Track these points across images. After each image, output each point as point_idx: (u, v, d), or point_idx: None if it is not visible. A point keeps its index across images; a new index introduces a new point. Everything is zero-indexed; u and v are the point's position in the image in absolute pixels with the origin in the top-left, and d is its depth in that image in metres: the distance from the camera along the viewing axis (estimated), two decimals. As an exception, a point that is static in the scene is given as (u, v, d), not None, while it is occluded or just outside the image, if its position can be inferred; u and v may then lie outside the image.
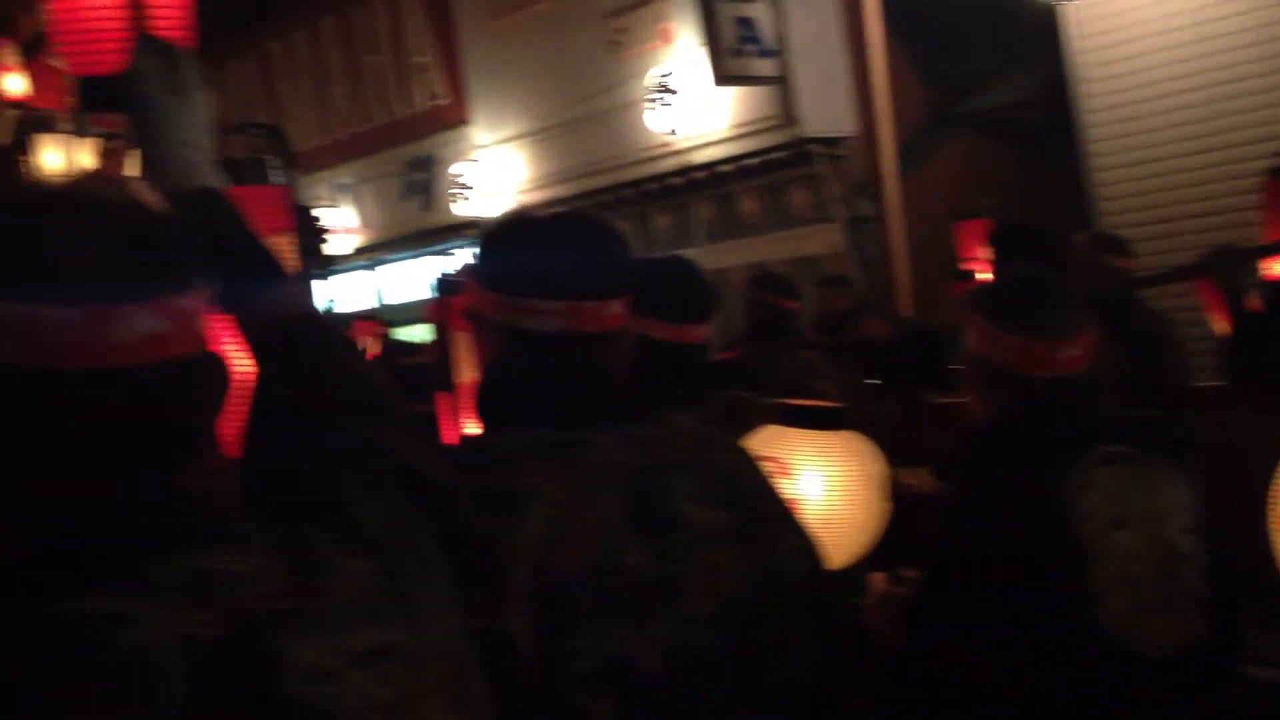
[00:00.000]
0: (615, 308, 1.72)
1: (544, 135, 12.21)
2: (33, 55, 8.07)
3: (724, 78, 9.71)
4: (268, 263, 1.41)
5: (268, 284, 1.39)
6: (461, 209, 12.56)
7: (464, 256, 12.83)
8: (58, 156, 8.16)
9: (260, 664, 0.99)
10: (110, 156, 7.99)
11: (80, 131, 8.72)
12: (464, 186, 12.48)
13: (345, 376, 1.35)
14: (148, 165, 1.42)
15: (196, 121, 1.44)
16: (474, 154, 12.68)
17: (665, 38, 10.85)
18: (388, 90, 13.61)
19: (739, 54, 9.60)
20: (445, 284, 2.86)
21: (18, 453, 1.01)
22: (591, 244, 1.75)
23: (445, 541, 1.21)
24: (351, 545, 1.11)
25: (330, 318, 1.84)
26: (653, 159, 11.18)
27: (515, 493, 1.53)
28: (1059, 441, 2.12)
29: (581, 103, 11.70)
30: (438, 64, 13.05)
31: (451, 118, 13.04)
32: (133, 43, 1.46)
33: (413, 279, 13.46)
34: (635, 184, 11.38)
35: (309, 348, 1.36)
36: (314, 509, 1.12)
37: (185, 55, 1.48)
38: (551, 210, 1.88)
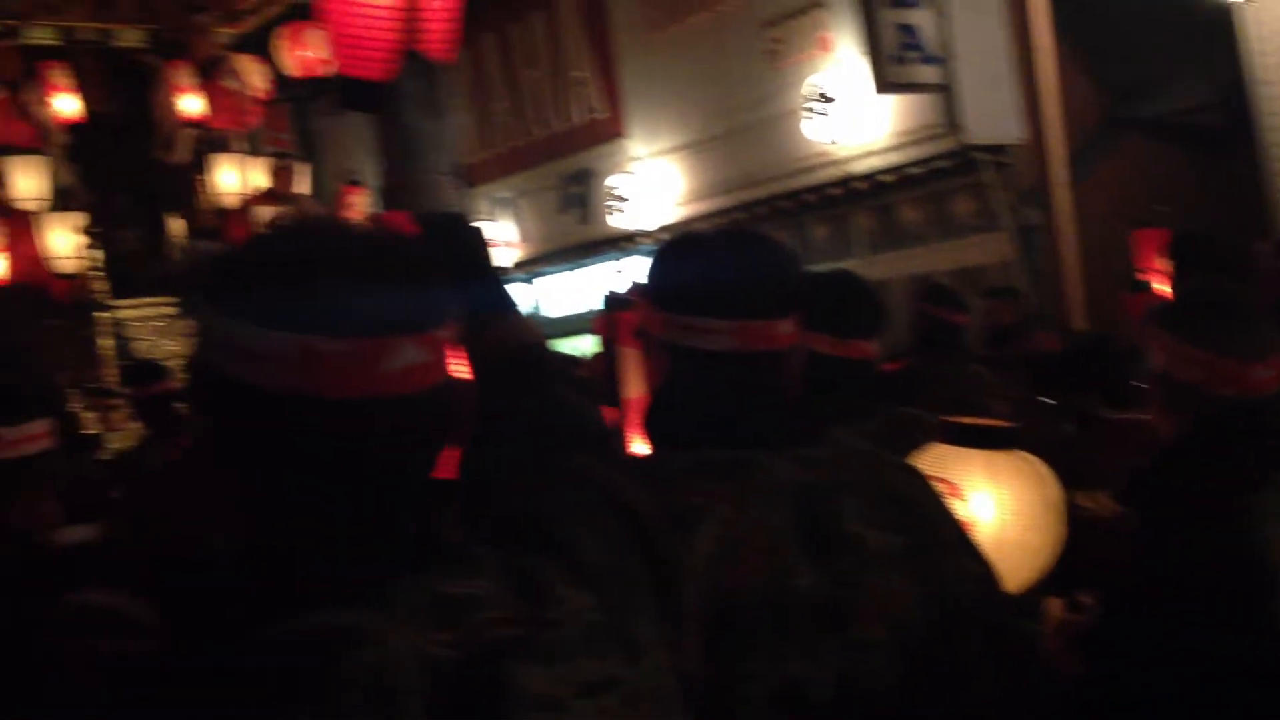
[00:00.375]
0: (785, 327, 1.70)
1: (700, 147, 12.23)
2: (208, 77, 8.43)
3: (885, 85, 9.58)
4: (501, 292, 1.44)
5: (499, 313, 1.41)
6: (619, 221, 12.67)
7: (623, 269, 12.95)
8: (233, 175, 8.52)
9: (493, 689, 1.01)
10: (281, 175, 8.30)
11: (254, 151, 9.08)
12: (621, 199, 12.59)
13: (564, 409, 1.37)
14: (401, 192, 1.45)
15: (449, 146, 1.48)
16: (630, 166, 12.77)
17: (824, 46, 10.77)
18: (546, 104, 13.81)
19: (901, 61, 9.47)
20: (612, 300, 2.86)
21: (281, 473, 1.06)
22: (761, 262, 1.72)
23: (655, 578, 1.22)
24: (576, 578, 1.13)
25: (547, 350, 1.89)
26: (811, 169, 11.10)
27: (684, 512, 1.50)
28: (1246, 465, 2.03)
29: (738, 113, 11.68)
30: (595, 78, 13.19)
31: (608, 131, 13.16)
32: (399, 55, 1.50)
33: (570, 292, 13.61)
34: (793, 195, 11.31)
35: (531, 379, 1.39)
36: (540, 540, 1.15)
37: (444, 76, 1.52)
38: (722, 228, 1.87)
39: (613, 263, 12.65)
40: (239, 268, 1.09)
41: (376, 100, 1.53)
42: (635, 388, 2.74)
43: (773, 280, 1.72)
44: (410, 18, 1.55)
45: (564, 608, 1.10)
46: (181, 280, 8.27)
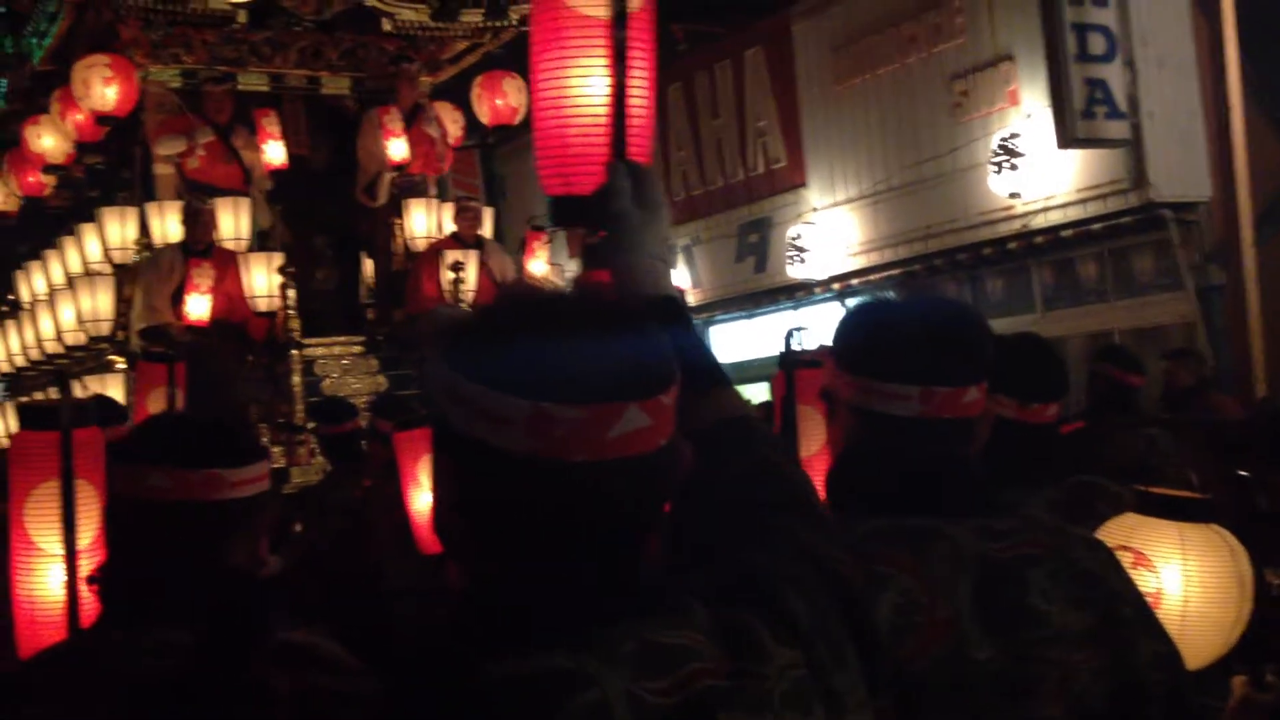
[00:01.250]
0: (972, 394, 1.70)
1: (879, 198, 12.16)
2: (408, 124, 8.76)
3: (1072, 140, 9.41)
4: (714, 367, 1.49)
5: (712, 386, 1.46)
6: (797, 271, 12.66)
7: (801, 326, 12.91)
8: (424, 219, 8.81)
9: None
10: (467, 219, 8.55)
11: (444, 195, 9.38)
12: (799, 249, 12.58)
13: (772, 473, 1.41)
14: (619, 275, 1.51)
15: (661, 234, 1.54)
16: (810, 216, 12.77)
17: (1011, 99, 10.61)
18: (727, 153, 13.92)
19: (1089, 116, 9.28)
20: (790, 356, 2.87)
21: (512, 525, 1.12)
22: (951, 328, 1.72)
23: (858, 640, 1.25)
24: (784, 634, 1.17)
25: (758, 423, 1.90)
26: (991, 222, 10.92)
27: (866, 580, 1.53)
28: None
29: (920, 165, 11.59)
30: (777, 128, 13.25)
31: (788, 180, 13.19)
32: (605, 163, 1.56)
33: (745, 340, 13.64)
34: (972, 248, 11.14)
35: (741, 446, 1.42)
36: (751, 598, 1.19)
37: (651, 173, 1.58)
38: (912, 292, 1.88)
39: (789, 312, 12.65)
40: (478, 333, 1.16)
41: (589, 213, 1.57)
42: (813, 446, 2.75)
43: (962, 347, 1.72)
44: (618, 127, 1.60)
45: (772, 663, 1.15)
46: (393, 327, 8.56)
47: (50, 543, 2.28)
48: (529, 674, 1.04)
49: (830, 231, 12.55)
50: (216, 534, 1.79)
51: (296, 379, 7.57)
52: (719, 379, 1.49)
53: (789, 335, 2.95)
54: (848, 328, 1.78)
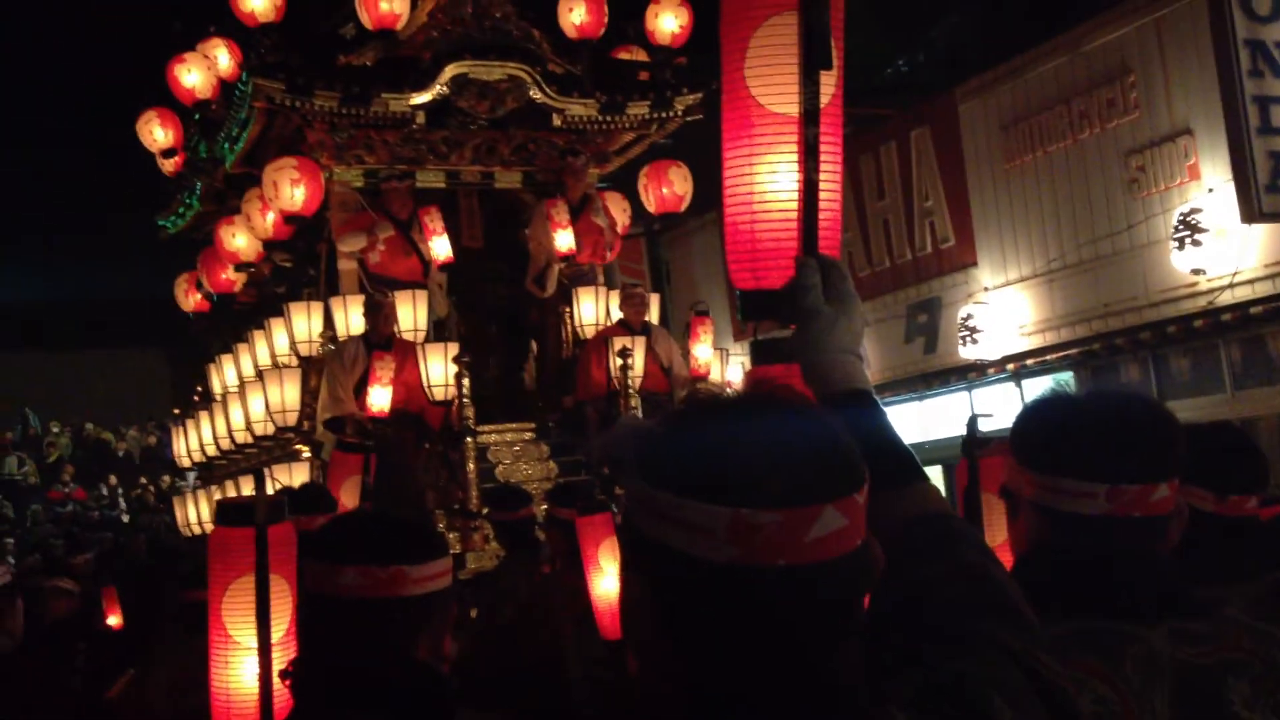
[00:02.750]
0: (1162, 490, 1.62)
1: (1054, 276, 11.88)
2: (576, 215, 8.97)
3: (1256, 215, 9.06)
4: (909, 462, 1.47)
5: (907, 481, 1.44)
6: (969, 352, 12.42)
7: (973, 400, 12.64)
8: (592, 307, 8.96)
9: None
10: (634, 306, 8.65)
11: (610, 283, 9.54)
12: (971, 329, 12.36)
13: (975, 574, 1.37)
14: (811, 370, 1.51)
15: (853, 328, 1.53)
16: (981, 296, 12.55)
17: (1191, 174, 10.30)
18: (893, 234, 13.82)
19: (1273, 190, 8.94)
20: (972, 444, 2.79)
21: (712, 628, 1.11)
22: (1138, 423, 1.65)
23: None
24: None
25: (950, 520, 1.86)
26: (1174, 300, 10.56)
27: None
28: None
29: (1095, 243, 11.30)
30: (945, 207, 13.12)
31: (958, 260, 13.01)
32: (795, 258, 1.58)
33: (915, 422, 13.40)
34: (1154, 326, 10.77)
35: (941, 545, 1.40)
36: (956, 703, 1.17)
37: (841, 268, 1.58)
38: (1097, 386, 1.81)
39: (961, 393, 12.40)
40: (668, 443, 1.16)
41: (779, 308, 1.58)
42: (999, 536, 2.67)
43: (1150, 442, 1.65)
44: (808, 222, 1.60)
45: None
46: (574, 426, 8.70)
47: (245, 635, 2.36)
48: None
49: (1003, 311, 12.30)
50: (403, 628, 1.83)
51: (471, 466, 7.71)
52: (915, 474, 1.46)
53: (972, 421, 2.87)
54: (1028, 422, 1.73)
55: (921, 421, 13.23)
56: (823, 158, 1.59)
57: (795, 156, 1.61)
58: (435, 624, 1.89)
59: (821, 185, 1.59)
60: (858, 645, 1.15)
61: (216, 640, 2.42)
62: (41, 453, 24.17)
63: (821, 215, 1.59)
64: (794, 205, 1.61)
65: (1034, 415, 1.75)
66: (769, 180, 1.63)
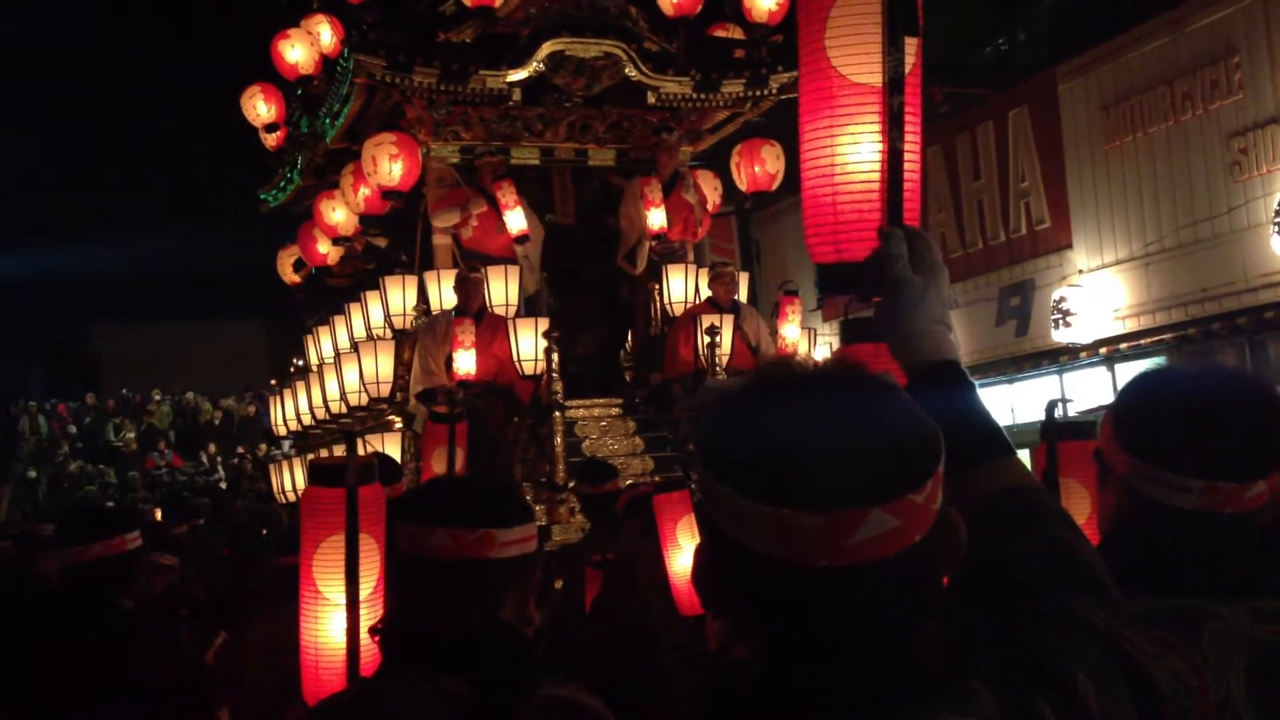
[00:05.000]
0: (1259, 488, 1.59)
1: (1151, 260, 11.64)
2: (668, 193, 8.97)
3: (1367, 197, 8.77)
4: (996, 435, 1.46)
5: (994, 454, 1.43)
6: (1062, 335, 12.22)
7: (1065, 384, 12.43)
8: (681, 284, 8.97)
9: None
10: (723, 284, 8.65)
11: (700, 261, 9.54)
12: (1065, 312, 12.15)
13: (1062, 552, 1.37)
14: (899, 341, 1.49)
15: (941, 298, 1.52)
16: (1076, 279, 12.33)
17: (1296, 156, 10.01)
18: (987, 215, 13.63)
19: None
20: (1053, 427, 2.75)
21: (776, 613, 1.12)
22: (1243, 418, 1.60)
23: None
24: (1072, 716, 1.15)
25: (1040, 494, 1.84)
26: (1273, 285, 10.30)
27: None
28: None
29: (1195, 226, 11.05)
30: (1042, 188, 12.89)
31: (1053, 242, 12.80)
32: (878, 230, 1.56)
33: (1005, 405, 13.22)
34: (1252, 311, 10.51)
35: (1026, 519, 1.39)
36: (1040, 680, 1.17)
37: (928, 238, 1.57)
38: (1208, 372, 1.75)
39: (1052, 377, 12.21)
40: (723, 429, 1.14)
41: (862, 281, 1.56)
42: (1078, 519, 2.65)
43: (1253, 439, 1.60)
44: (892, 193, 1.58)
45: None
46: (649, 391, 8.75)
47: (335, 592, 2.42)
48: None
49: (1097, 294, 12.07)
50: (489, 590, 1.87)
51: (558, 439, 7.79)
52: (1002, 448, 1.44)
53: (1050, 406, 2.84)
54: (1130, 401, 1.69)
55: (1010, 405, 13.05)
56: (905, 127, 1.59)
57: (877, 127, 1.60)
58: (520, 587, 1.92)
59: (905, 155, 1.59)
60: (934, 623, 1.14)
61: (307, 596, 2.48)
62: (141, 421, 24.85)
63: (905, 185, 1.59)
64: (876, 176, 1.60)
65: (1137, 396, 1.70)
66: (850, 151, 1.62)
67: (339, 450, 9.35)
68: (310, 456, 10.39)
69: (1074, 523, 1.47)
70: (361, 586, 2.31)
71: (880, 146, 1.59)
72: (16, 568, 5.21)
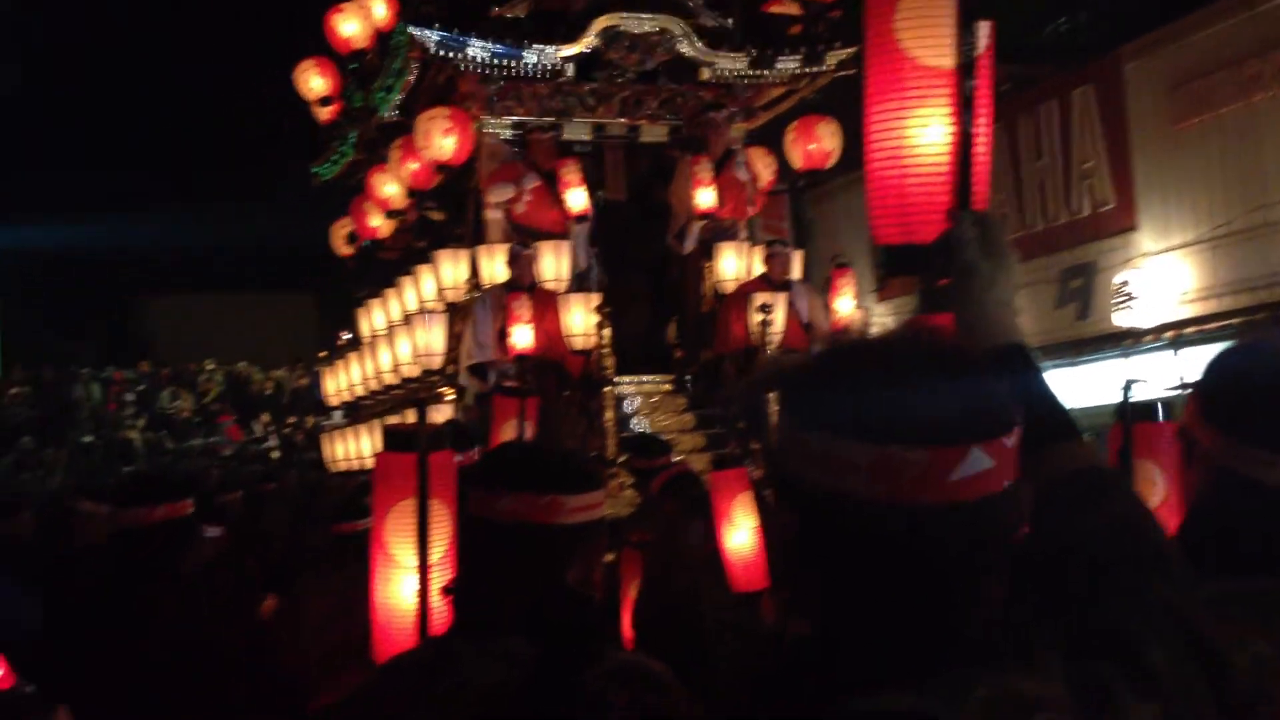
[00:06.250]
0: None
1: (1219, 243, 11.47)
2: (720, 170, 8.92)
3: None
4: (1064, 417, 1.46)
5: (1062, 436, 1.43)
6: (1124, 318, 12.08)
7: (1128, 369, 12.28)
8: (733, 262, 8.94)
9: None
10: (776, 261, 8.60)
11: (753, 238, 9.49)
12: (1128, 295, 12.00)
13: (1131, 530, 1.37)
14: (967, 324, 1.50)
15: (1009, 281, 1.53)
16: (1140, 261, 12.17)
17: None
18: (1049, 195, 13.47)
19: None
20: (1129, 409, 2.72)
21: (858, 567, 1.13)
22: None
23: (1218, 698, 1.22)
24: (1144, 689, 1.15)
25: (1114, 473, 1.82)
26: (1345, 269, 10.11)
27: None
28: None
29: (1264, 209, 10.86)
30: (1106, 169, 12.73)
31: (1116, 224, 12.64)
32: (947, 212, 1.56)
33: (1066, 389, 13.05)
34: (1323, 297, 10.34)
35: (1095, 498, 1.39)
36: (1109, 651, 1.17)
37: (997, 222, 1.57)
38: None
39: (1115, 361, 12.07)
40: (817, 380, 1.17)
41: (929, 262, 1.56)
42: (1153, 502, 2.60)
43: None
44: (962, 176, 1.56)
45: (1129, 717, 1.13)
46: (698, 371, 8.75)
47: (406, 555, 2.46)
48: (880, 713, 1.05)
49: (1162, 277, 11.92)
50: (556, 555, 1.89)
51: (609, 415, 7.79)
52: (1068, 429, 1.45)
53: (1127, 387, 2.81)
54: (1217, 374, 1.67)
55: (1072, 389, 12.92)
56: (977, 109, 1.58)
57: (947, 109, 1.60)
58: (587, 553, 1.94)
59: (976, 138, 1.58)
60: (1000, 585, 1.15)
61: (379, 559, 2.53)
62: (196, 389, 25.18)
63: (975, 168, 1.57)
64: (945, 159, 1.59)
65: (1224, 372, 1.68)
66: (919, 134, 1.62)
67: (391, 421, 9.41)
68: (362, 428, 10.48)
69: (1144, 503, 1.46)
70: (432, 551, 2.33)
71: (950, 130, 1.59)
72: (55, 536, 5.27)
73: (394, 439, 2.56)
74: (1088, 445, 1.46)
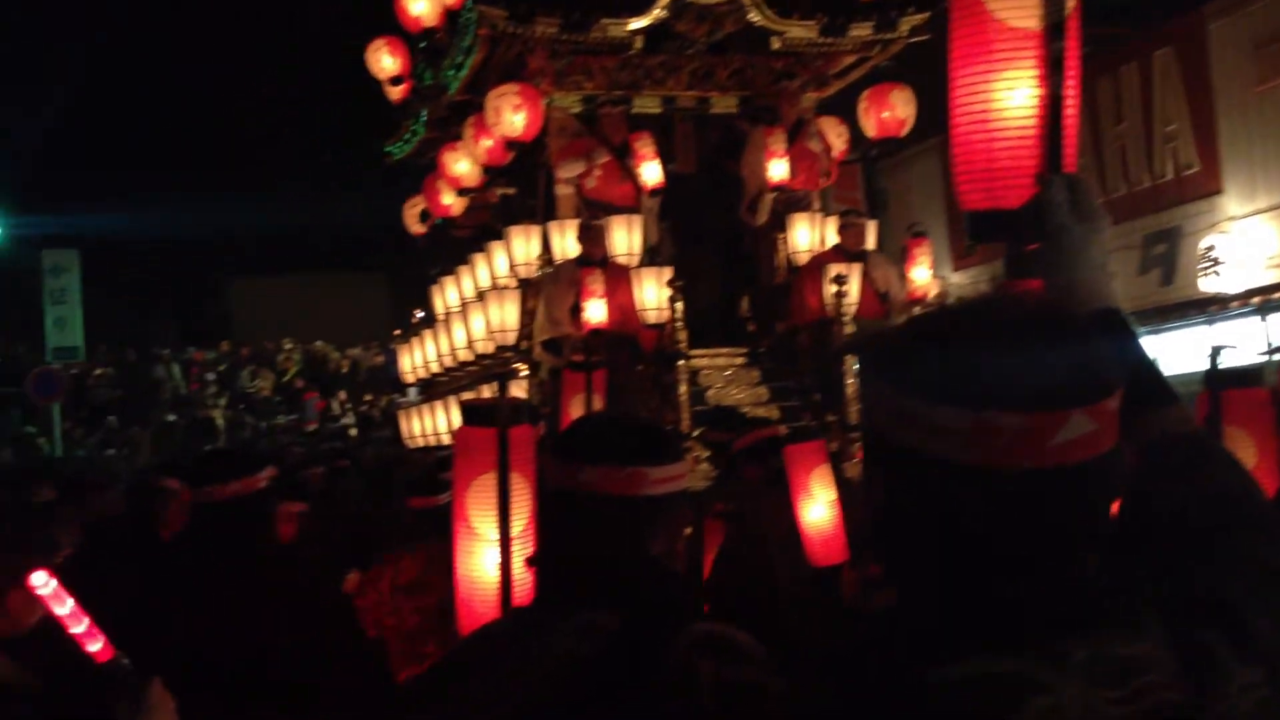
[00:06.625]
0: None
1: (1306, 206, 11.17)
2: (792, 140, 8.84)
3: None
4: (1162, 381, 1.44)
5: (1159, 401, 1.41)
6: (1210, 284, 11.82)
7: (1214, 335, 12.01)
8: (806, 233, 8.86)
9: None
10: (850, 232, 8.51)
11: (826, 209, 9.41)
12: (1214, 260, 11.74)
13: (1232, 494, 1.34)
14: (1060, 288, 1.48)
15: (1101, 245, 1.51)
16: (1226, 226, 11.89)
17: None
18: (1131, 160, 13.19)
19: None
20: (1218, 375, 2.66)
21: (954, 531, 1.12)
22: None
23: None
24: (1246, 654, 1.13)
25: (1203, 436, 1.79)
26: None
27: None
28: None
29: (1354, 170, 10.56)
30: (1189, 132, 12.43)
31: (1201, 188, 12.35)
32: (1036, 177, 1.54)
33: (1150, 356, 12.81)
34: None
35: (1193, 463, 1.37)
36: (1211, 615, 1.15)
37: (1087, 185, 1.55)
38: None
39: (1201, 328, 11.81)
40: (912, 344, 1.16)
41: (1017, 228, 1.55)
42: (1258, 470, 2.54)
43: None
44: (1052, 139, 1.54)
45: (1234, 681, 1.10)
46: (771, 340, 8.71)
47: (487, 528, 2.47)
48: (982, 677, 1.04)
49: (1249, 241, 11.63)
50: (638, 527, 1.88)
51: (683, 388, 7.78)
52: (1166, 395, 1.43)
53: (1214, 353, 2.76)
54: None
55: (1156, 356, 12.67)
56: (1066, 72, 1.56)
57: (1034, 72, 1.58)
58: (669, 525, 1.94)
59: (1064, 100, 1.57)
60: (1100, 549, 1.13)
61: (461, 533, 2.55)
62: (276, 368, 25.60)
63: (1064, 131, 1.55)
64: (1033, 122, 1.57)
65: None
66: (1006, 97, 1.60)
67: (467, 397, 9.48)
68: (438, 404, 10.58)
69: (1244, 469, 1.43)
70: (513, 524, 2.34)
71: (1038, 92, 1.57)
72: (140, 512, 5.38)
73: (473, 414, 2.58)
74: (1186, 410, 1.44)
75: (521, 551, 2.29)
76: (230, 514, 3.42)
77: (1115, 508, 1.20)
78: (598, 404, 3.72)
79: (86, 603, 2.18)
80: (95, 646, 2.14)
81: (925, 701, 1.03)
